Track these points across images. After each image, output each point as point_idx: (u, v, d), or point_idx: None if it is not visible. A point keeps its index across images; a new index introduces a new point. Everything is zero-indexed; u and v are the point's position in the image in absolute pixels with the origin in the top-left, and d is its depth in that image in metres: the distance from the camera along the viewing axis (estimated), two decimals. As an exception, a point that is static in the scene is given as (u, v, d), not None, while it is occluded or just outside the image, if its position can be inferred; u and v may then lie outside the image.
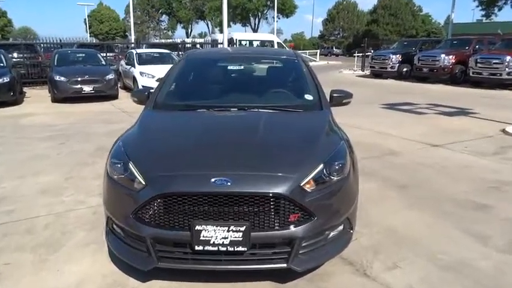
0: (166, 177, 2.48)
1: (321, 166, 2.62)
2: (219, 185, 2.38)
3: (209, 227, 2.37)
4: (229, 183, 2.39)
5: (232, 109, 3.43)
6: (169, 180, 2.46)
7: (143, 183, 2.47)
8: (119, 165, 2.65)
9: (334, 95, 3.77)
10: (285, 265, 2.48)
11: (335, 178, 2.63)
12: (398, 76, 18.11)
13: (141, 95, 3.80)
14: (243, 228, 2.37)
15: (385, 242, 3.29)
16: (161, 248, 2.50)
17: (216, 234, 2.39)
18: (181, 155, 2.68)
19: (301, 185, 2.48)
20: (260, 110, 3.39)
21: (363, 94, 11.90)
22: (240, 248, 2.41)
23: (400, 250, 3.16)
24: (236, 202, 2.39)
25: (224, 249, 2.41)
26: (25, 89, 13.03)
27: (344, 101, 3.84)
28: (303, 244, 2.54)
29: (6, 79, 10.05)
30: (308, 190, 2.50)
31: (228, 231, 2.38)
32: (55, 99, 11.02)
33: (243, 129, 3.06)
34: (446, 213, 3.84)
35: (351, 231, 2.88)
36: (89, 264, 2.91)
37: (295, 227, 2.45)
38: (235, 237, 2.38)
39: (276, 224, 2.43)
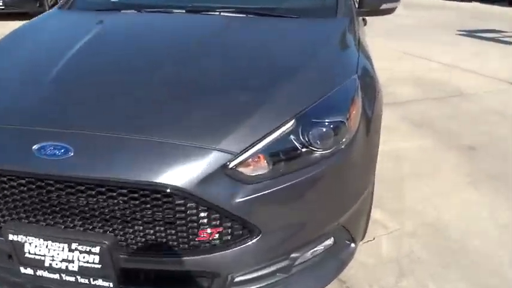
0: None
1: (289, 125, 1.24)
2: (48, 158, 1.11)
3: (34, 239, 1.17)
4: (70, 154, 1.12)
5: (178, 11, 2.02)
6: None
7: None
8: None
9: None
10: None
11: (319, 152, 1.26)
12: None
13: None
14: (95, 249, 1.13)
15: (422, 253, 1.92)
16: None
17: (52, 254, 1.18)
18: (21, 86, 1.40)
19: (231, 166, 1.15)
20: (228, 13, 1.96)
21: (439, 18, 9.63)
22: (101, 283, 1.20)
23: (449, 272, 1.80)
24: (85, 197, 1.13)
25: (71, 279, 1.21)
26: None
27: (384, 6, 2.25)
28: (238, 279, 1.28)
29: None
30: (249, 175, 1.17)
31: (70, 250, 1.16)
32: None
33: (170, 49, 1.62)
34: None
35: (352, 244, 1.54)
36: None
37: (211, 251, 1.17)
38: (88, 262, 1.16)
39: (174, 245, 1.16)
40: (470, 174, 2.64)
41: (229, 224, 1.15)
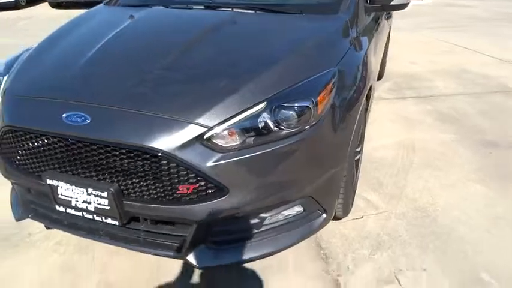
0: (18, 101, 1.69)
1: (261, 106, 1.51)
2: (72, 124, 1.50)
3: (64, 184, 1.57)
4: (87, 122, 1.49)
5: (196, 7, 2.35)
6: (18, 105, 1.67)
7: None
8: None
9: None
10: (179, 255, 1.60)
11: (285, 131, 1.52)
12: None
13: None
14: (104, 194, 1.51)
15: (404, 233, 2.09)
16: (34, 199, 1.83)
17: (76, 196, 1.58)
18: (59, 68, 1.81)
19: (207, 137, 1.45)
20: (240, 9, 2.25)
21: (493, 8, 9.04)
22: (110, 221, 1.58)
23: (424, 252, 1.96)
24: (97, 153, 1.51)
25: (90, 217, 1.61)
26: None
27: (395, 2, 2.37)
28: (215, 229, 1.60)
29: None
30: (222, 146, 1.47)
31: (88, 194, 1.55)
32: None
33: (177, 40, 1.93)
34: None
35: (323, 215, 1.78)
36: None
37: (190, 203, 1.50)
38: (100, 204, 1.54)
39: (161, 195, 1.50)
40: (481, 170, 2.69)
41: (203, 183, 1.47)
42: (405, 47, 5.82)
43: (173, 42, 1.94)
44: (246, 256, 1.62)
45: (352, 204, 2.22)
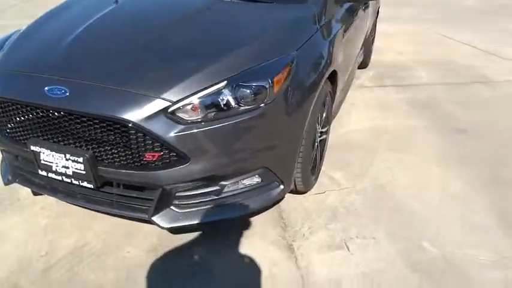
0: (7, 75, 1.87)
1: (222, 85, 1.69)
2: (53, 96, 1.69)
3: (46, 150, 1.76)
4: (66, 94, 1.68)
5: None
6: (7, 79, 1.86)
7: None
8: None
9: None
10: (145, 216, 1.80)
11: (242, 107, 1.70)
12: None
13: None
14: (80, 159, 1.70)
15: (361, 207, 2.28)
16: (21, 165, 2.02)
17: (56, 161, 1.77)
18: (45, 47, 1.98)
19: (171, 110, 1.64)
20: None
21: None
22: (86, 184, 1.78)
23: (375, 223, 2.15)
24: (74, 123, 1.69)
25: (68, 180, 1.81)
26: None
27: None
28: (179, 194, 1.79)
29: None
30: (184, 119, 1.65)
31: (66, 159, 1.74)
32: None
33: (154, 24, 2.12)
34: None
35: (281, 186, 1.97)
36: None
37: (155, 169, 1.69)
38: (77, 169, 1.74)
39: (130, 161, 1.69)
40: (444, 153, 2.86)
41: (167, 151, 1.65)
42: (395, 37, 5.94)
43: (151, 26, 2.11)
44: (206, 219, 1.82)
45: (316, 180, 2.41)
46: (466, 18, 7.55)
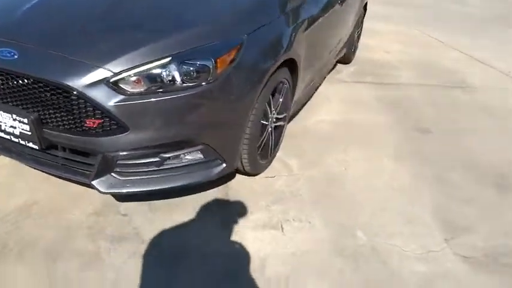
0: None
1: (166, 60, 1.75)
2: (2, 57, 1.76)
3: (-5, 111, 1.85)
4: (15, 57, 1.75)
5: None
6: None
7: None
8: None
9: None
10: (86, 180, 1.88)
11: (185, 84, 1.77)
12: None
13: None
14: (25, 120, 1.78)
15: (305, 193, 2.36)
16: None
17: (4, 120, 1.85)
18: (4, 13, 2.04)
19: (112, 80, 1.71)
20: None
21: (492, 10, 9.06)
22: (31, 145, 1.86)
23: (313, 208, 2.23)
24: (22, 85, 1.77)
25: (16, 140, 1.89)
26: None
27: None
28: (120, 162, 1.87)
29: None
30: (126, 90, 1.72)
31: (13, 119, 1.82)
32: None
33: None
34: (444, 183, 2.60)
35: (223, 164, 2.05)
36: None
37: (96, 136, 1.76)
38: (23, 129, 1.82)
39: (72, 126, 1.77)
40: (400, 150, 2.93)
41: (107, 119, 1.73)
42: (385, 37, 5.96)
43: None
44: (146, 188, 1.91)
45: (268, 164, 2.50)
46: (461, 23, 7.55)
